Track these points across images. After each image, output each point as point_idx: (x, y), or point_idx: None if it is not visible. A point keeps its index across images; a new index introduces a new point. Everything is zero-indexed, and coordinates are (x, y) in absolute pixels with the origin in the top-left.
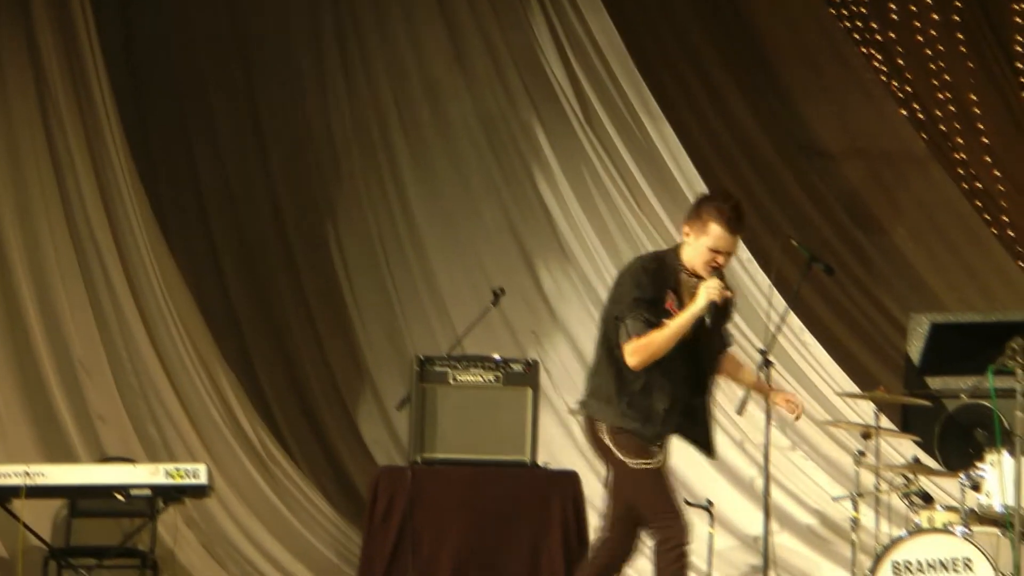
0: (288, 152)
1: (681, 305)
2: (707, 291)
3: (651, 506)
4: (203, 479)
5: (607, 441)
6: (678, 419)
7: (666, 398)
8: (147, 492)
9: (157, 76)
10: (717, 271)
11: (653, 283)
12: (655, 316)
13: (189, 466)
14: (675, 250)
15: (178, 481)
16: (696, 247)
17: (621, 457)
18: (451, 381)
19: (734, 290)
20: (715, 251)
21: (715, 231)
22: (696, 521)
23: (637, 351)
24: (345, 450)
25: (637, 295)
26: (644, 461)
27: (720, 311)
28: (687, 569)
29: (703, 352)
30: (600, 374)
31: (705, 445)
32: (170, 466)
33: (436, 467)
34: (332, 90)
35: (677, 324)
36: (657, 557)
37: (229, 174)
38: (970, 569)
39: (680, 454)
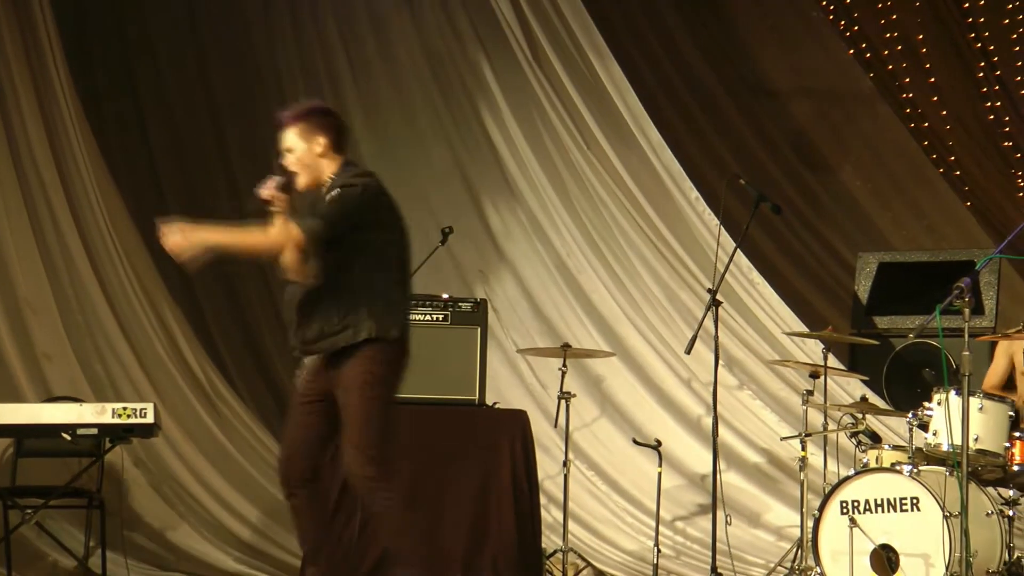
0: (234, 89)
1: None
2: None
3: None
4: (150, 418)
5: None
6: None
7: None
8: (94, 432)
9: (102, 14)
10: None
11: None
12: None
13: (136, 405)
14: None
15: (125, 420)
16: None
17: None
18: None
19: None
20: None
21: None
22: (645, 461)
23: None
24: (293, 388)
25: None
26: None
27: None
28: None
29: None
30: None
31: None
32: (117, 405)
33: None
34: (278, 26)
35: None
36: None
37: (174, 111)
38: (917, 508)
39: (628, 393)
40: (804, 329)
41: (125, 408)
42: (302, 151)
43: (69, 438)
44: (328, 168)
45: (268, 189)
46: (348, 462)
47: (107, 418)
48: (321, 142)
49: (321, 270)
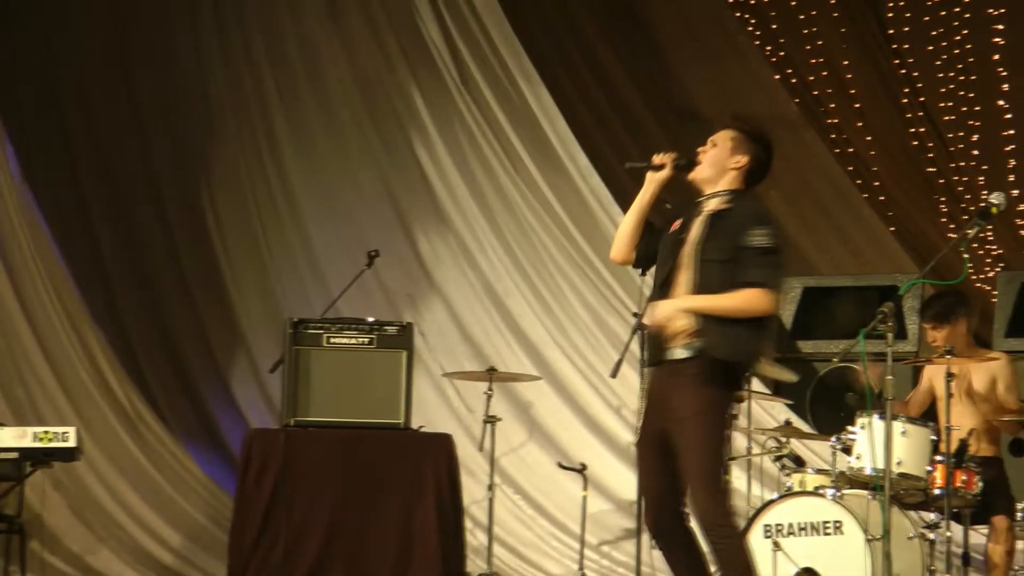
0: (161, 111)
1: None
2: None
3: None
4: (72, 442)
5: None
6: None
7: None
8: (14, 455)
9: (28, 37)
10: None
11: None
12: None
13: (58, 429)
14: None
15: (46, 444)
16: None
17: None
18: (325, 344)
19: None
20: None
21: None
22: (572, 485)
23: None
24: (218, 412)
25: None
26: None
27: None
28: None
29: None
30: None
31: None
32: (39, 429)
33: (309, 430)
34: (206, 48)
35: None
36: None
37: (101, 131)
38: (840, 531)
39: (556, 417)
40: None
41: (47, 432)
42: (722, 152)
43: None
44: (725, 183)
45: (665, 158)
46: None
47: (28, 442)
48: (740, 160)
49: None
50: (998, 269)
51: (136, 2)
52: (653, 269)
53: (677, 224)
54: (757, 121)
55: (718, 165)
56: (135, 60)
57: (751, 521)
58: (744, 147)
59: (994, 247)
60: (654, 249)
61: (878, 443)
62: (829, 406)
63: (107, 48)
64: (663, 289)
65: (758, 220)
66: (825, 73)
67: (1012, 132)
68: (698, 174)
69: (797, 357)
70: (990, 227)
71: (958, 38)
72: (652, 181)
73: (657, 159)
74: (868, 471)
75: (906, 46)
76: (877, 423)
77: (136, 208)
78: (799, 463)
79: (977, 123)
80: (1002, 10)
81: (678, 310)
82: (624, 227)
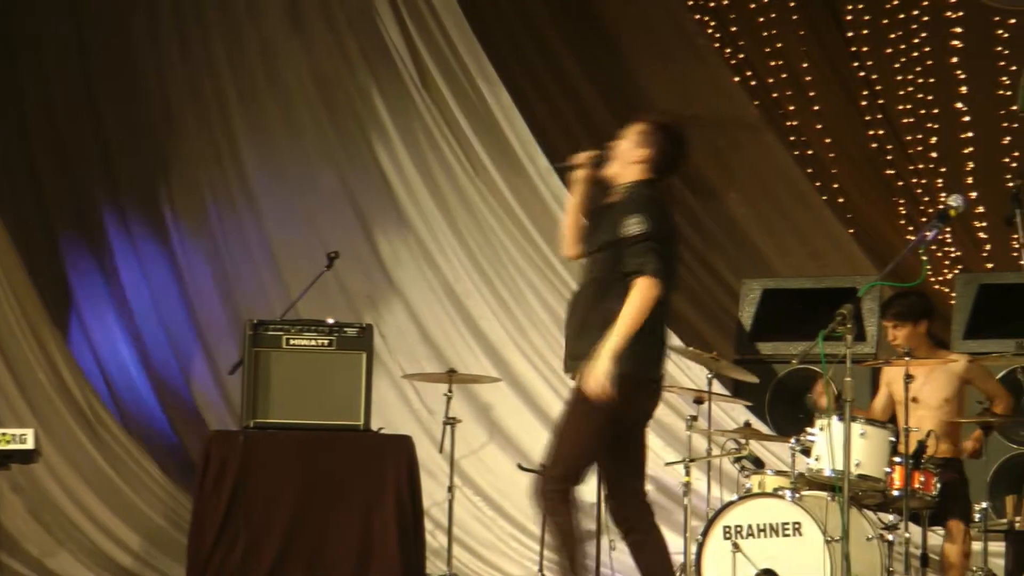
0: (121, 111)
1: None
2: None
3: None
4: (30, 444)
5: None
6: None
7: None
8: None
9: None
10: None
11: None
12: None
13: (16, 431)
14: None
15: (4, 446)
16: None
17: None
18: (284, 345)
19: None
20: None
21: None
22: (530, 486)
23: None
24: (177, 414)
25: None
26: None
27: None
28: None
29: (590, 264)
30: None
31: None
32: None
33: (269, 432)
34: (166, 49)
35: None
36: None
37: (61, 131)
38: (800, 533)
39: (516, 418)
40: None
41: (4, 434)
42: (626, 146)
43: None
44: (630, 175)
45: (583, 157)
46: None
47: None
48: (643, 153)
49: None
50: (956, 271)
51: (95, 1)
52: None
53: None
54: (669, 114)
55: (622, 159)
56: (94, 59)
57: (710, 523)
58: (649, 139)
59: (952, 249)
60: None
61: (837, 445)
62: (788, 407)
63: (66, 47)
64: None
65: (632, 209)
66: (784, 75)
67: (970, 134)
68: (607, 169)
69: (756, 359)
70: (948, 229)
71: (916, 41)
72: (575, 180)
73: (576, 159)
74: (827, 472)
75: (865, 49)
76: (836, 424)
77: (96, 210)
78: (758, 465)
79: (935, 125)
80: (960, 13)
81: (604, 369)
82: (564, 226)
